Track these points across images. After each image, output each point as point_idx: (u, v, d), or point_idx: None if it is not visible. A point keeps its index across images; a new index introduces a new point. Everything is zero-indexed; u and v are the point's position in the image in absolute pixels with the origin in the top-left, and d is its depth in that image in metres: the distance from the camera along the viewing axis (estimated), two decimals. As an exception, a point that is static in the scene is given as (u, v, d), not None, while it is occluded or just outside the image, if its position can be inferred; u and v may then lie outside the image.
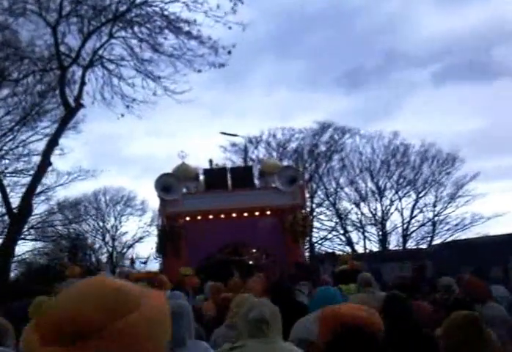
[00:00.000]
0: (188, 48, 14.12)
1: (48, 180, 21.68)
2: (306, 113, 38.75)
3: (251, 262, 10.00)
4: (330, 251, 28.52)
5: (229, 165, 27.84)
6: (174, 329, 1.49)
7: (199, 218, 10.09)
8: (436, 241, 27.57)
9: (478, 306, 3.67)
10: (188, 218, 10.01)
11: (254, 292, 4.04)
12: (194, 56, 14.06)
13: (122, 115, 14.24)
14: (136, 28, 14.46)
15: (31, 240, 22.36)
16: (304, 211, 10.54)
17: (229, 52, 13.91)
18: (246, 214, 10.24)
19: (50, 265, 13.07)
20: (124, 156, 39.59)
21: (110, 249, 27.37)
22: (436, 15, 36.61)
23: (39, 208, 22.51)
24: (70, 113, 14.03)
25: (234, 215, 10.20)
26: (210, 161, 10.98)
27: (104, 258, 26.26)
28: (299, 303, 3.98)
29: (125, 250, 27.82)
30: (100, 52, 14.76)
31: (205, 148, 34.78)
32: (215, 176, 10.57)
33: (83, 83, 14.32)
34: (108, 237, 27.24)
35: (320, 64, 38.23)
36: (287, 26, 37.74)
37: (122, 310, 0.70)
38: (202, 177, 10.93)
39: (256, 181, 11.28)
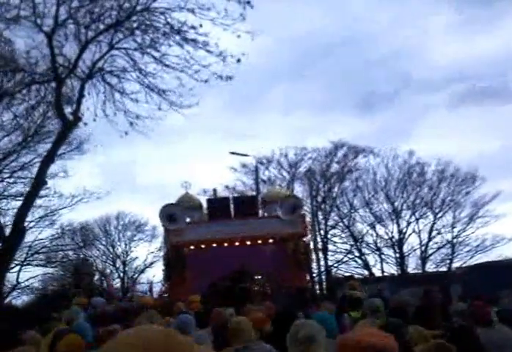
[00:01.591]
0: (194, 58, 13.49)
1: (52, 202, 22.15)
2: (320, 135, 39.98)
3: (255, 289, 10.62)
4: (347, 274, 28.88)
5: (240, 186, 28.80)
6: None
7: (202, 246, 10.79)
8: (456, 264, 27.67)
9: (482, 330, 3.74)
10: (192, 247, 10.72)
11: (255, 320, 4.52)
12: (200, 66, 13.40)
13: (126, 133, 13.69)
14: (138, 38, 13.91)
15: (35, 265, 23.00)
16: (305, 239, 11.17)
17: (239, 60, 13.31)
18: (248, 242, 10.91)
19: (59, 291, 13.53)
20: (137, 183, 41.38)
21: (121, 274, 28.28)
22: (451, 40, 37.86)
23: (43, 233, 23.16)
24: (67, 127, 13.44)
25: (237, 243, 10.87)
26: (215, 191, 11.73)
27: (116, 283, 27.14)
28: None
29: (136, 275, 28.71)
30: (100, 64, 14.19)
31: (216, 170, 35.80)
32: (218, 205, 11.32)
33: (81, 96, 13.76)
34: (118, 263, 28.21)
35: (335, 89, 39.80)
36: (303, 51, 39.56)
37: None
38: (205, 207, 11.69)
39: (259, 210, 11.98)
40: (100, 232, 27.37)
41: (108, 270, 27.63)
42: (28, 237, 22.79)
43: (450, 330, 3.87)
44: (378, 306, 4.56)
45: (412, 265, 28.70)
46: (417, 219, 28.56)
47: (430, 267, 28.55)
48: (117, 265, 28.12)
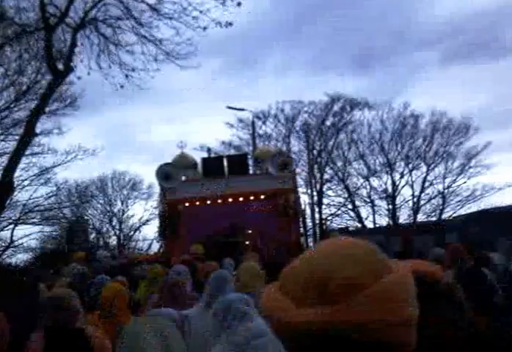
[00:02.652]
0: (192, 3, 13.12)
1: (46, 159, 22.72)
2: (317, 91, 40.66)
3: (247, 243, 11.69)
4: (340, 226, 30.33)
5: (236, 142, 29.46)
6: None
7: (197, 203, 11.70)
8: (446, 214, 29.13)
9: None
10: (186, 204, 11.63)
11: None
12: (198, 12, 13.11)
13: (122, 86, 13.64)
14: None
15: (30, 224, 23.63)
16: (295, 194, 12.14)
17: (239, 4, 13.01)
18: (241, 199, 11.81)
19: (57, 249, 14.36)
20: (134, 142, 42.44)
21: (117, 232, 29.63)
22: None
23: (38, 191, 23.77)
24: (57, 77, 13.21)
25: (230, 200, 11.78)
26: (209, 149, 12.53)
27: (112, 241, 28.54)
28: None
29: (131, 233, 30.09)
30: (92, 13, 13.77)
31: (213, 126, 36.62)
32: (212, 164, 12.14)
33: (73, 46, 13.47)
34: (115, 221, 29.44)
35: (331, 48, 40.89)
36: (296, 11, 39.41)
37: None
38: (200, 166, 12.53)
39: (250, 168, 12.86)
40: (97, 191, 28.47)
41: (104, 229, 29.00)
42: (23, 196, 23.67)
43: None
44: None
45: (404, 216, 30.23)
46: (410, 171, 29.70)
47: (421, 218, 30.14)
48: (113, 223, 29.49)
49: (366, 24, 40.27)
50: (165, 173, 11.51)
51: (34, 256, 23.34)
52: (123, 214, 29.28)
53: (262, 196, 11.90)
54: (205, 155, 19.07)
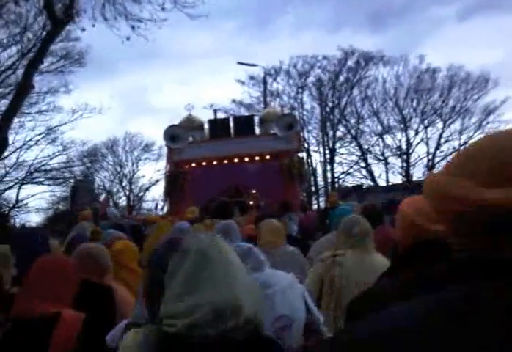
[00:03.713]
0: None
1: (53, 119, 23.42)
2: (330, 49, 40.62)
3: (251, 203, 12.52)
4: (351, 184, 31.03)
5: (247, 100, 29.76)
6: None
7: (203, 164, 12.46)
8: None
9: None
10: (192, 165, 12.41)
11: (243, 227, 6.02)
12: None
13: (128, 38, 13.42)
14: None
15: (36, 183, 24.13)
16: (299, 155, 12.83)
17: None
18: (246, 159, 12.54)
19: (67, 210, 15.13)
20: (145, 104, 43.41)
21: (127, 193, 30.79)
22: None
23: (46, 151, 24.28)
24: (56, 26, 12.98)
25: (235, 160, 12.53)
26: (215, 111, 13.15)
27: (122, 202, 29.78)
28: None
29: (141, 193, 31.28)
30: None
31: (224, 84, 37.16)
32: (218, 125, 12.78)
33: None
34: (125, 182, 30.54)
35: (346, 7, 41.00)
36: None
37: None
38: (206, 127, 13.20)
39: (256, 129, 13.49)
40: (108, 152, 29.41)
41: (114, 189, 30.15)
42: (30, 156, 24.54)
43: None
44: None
45: (418, 174, 30.71)
46: (426, 127, 29.87)
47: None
48: (124, 184, 30.61)
49: None
50: (172, 134, 12.22)
51: (46, 217, 24.50)
52: (133, 175, 30.44)
53: (267, 157, 12.60)
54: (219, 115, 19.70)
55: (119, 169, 30.26)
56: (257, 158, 12.57)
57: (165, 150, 13.65)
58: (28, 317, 2.05)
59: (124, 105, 47.41)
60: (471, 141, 0.85)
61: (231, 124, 12.79)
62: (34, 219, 26.18)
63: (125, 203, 31.21)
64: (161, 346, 1.19)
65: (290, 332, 2.24)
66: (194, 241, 1.31)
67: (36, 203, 25.40)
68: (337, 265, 3.00)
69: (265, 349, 1.27)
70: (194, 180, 12.02)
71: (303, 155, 13.43)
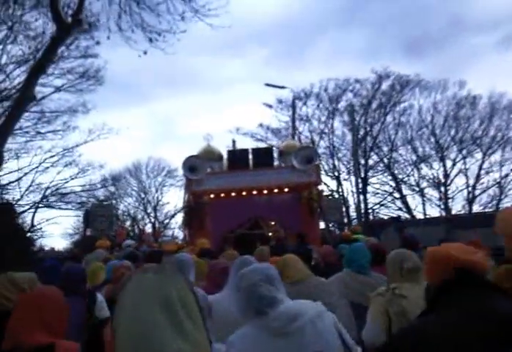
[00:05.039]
0: None
1: (70, 139, 24.25)
2: (364, 74, 41.39)
3: (270, 234, 12.96)
4: (384, 217, 30.85)
5: (275, 124, 30.17)
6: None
7: (222, 195, 13.02)
8: (504, 205, 29.00)
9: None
10: (211, 195, 12.98)
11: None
12: None
13: (145, 52, 13.00)
14: None
15: (49, 207, 24.96)
16: (318, 188, 13.24)
17: None
18: (265, 191, 13.03)
19: (94, 235, 15.79)
20: (174, 130, 45.17)
21: (152, 220, 31.67)
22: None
23: (63, 174, 25.13)
24: (62, 30, 12.43)
25: (254, 192, 13.03)
26: (234, 142, 13.79)
27: (148, 228, 30.59)
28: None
29: (166, 220, 32.11)
30: None
31: (251, 108, 38.32)
32: (237, 156, 13.42)
33: None
34: (150, 209, 31.51)
35: (383, 34, 43.04)
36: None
37: None
38: (225, 158, 13.84)
39: (275, 161, 14.03)
40: (131, 177, 30.53)
41: (139, 216, 31.10)
42: (45, 178, 25.22)
43: None
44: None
45: (457, 207, 30.31)
46: (464, 157, 29.71)
47: (478, 209, 30.08)
48: (148, 211, 31.59)
49: (420, 10, 41.29)
50: (191, 165, 12.88)
51: (72, 241, 25.37)
52: (158, 202, 31.38)
53: (285, 189, 13.07)
54: (245, 139, 20.17)
55: (143, 195, 31.35)
56: (275, 190, 13.05)
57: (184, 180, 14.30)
58: (23, 348, 2.12)
59: (149, 130, 49.49)
60: None
61: (250, 155, 13.37)
62: (59, 243, 27.08)
63: (150, 230, 32.04)
64: None
65: None
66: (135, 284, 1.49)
67: (57, 227, 26.29)
68: (400, 297, 3.15)
69: None
70: (213, 211, 12.58)
71: (322, 187, 13.74)
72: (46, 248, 21.50)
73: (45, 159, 24.56)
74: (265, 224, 13.21)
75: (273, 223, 13.19)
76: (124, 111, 48.33)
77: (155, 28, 12.91)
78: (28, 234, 22.99)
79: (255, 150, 14.02)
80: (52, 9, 12.53)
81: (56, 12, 12.34)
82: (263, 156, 13.40)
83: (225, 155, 13.94)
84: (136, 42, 12.84)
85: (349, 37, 43.33)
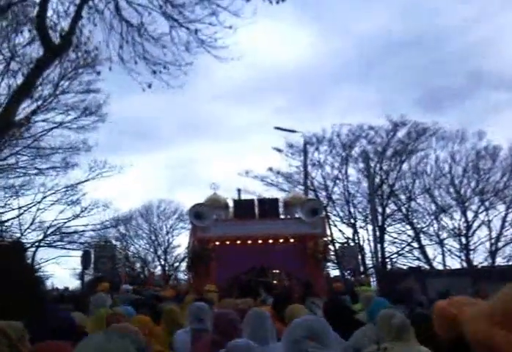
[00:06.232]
0: None
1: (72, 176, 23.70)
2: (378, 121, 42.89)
3: (275, 282, 13.54)
4: (400, 266, 30.88)
5: (286, 169, 30.74)
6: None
7: (227, 243, 13.72)
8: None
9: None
10: (217, 243, 13.67)
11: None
12: None
13: (150, 86, 12.71)
14: None
15: (50, 246, 24.82)
16: (324, 239, 13.88)
17: None
18: (270, 241, 13.71)
19: (103, 276, 16.31)
20: (184, 173, 46.81)
21: (162, 262, 32.36)
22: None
23: (66, 213, 24.98)
24: (49, 51, 11.96)
25: (260, 241, 13.72)
26: (239, 191, 14.64)
27: (158, 271, 31.18)
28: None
29: (177, 263, 32.73)
30: None
31: (262, 152, 39.66)
32: (243, 206, 14.22)
33: (78, 16, 12.12)
34: (160, 251, 32.19)
35: (400, 89, 44.37)
36: (372, 50, 44.29)
37: None
38: (231, 207, 14.62)
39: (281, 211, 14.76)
40: (142, 219, 31.40)
41: (149, 258, 31.81)
42: (47, 217, 25.08)
43: None
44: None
45: (478, 259, 30.18)
46: (487, 209, 29.89)
47: (501, 261, 29.91)
48: (159, 253, 32.28)
49: (440, 64, 43.47)
50: (197, 212, 13.67)
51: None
52: (168, 244, 32.11)
53: (291, 240, 13.73)
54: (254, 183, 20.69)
55: (153, 238, 32.15)
56: (281, 240, 13.72)
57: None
58: None
59: (161, 174, 51.40)
60: None
61: (256, 205, 14.12)
62: (72, 283, 27.33)
63: (160, 273, 32.53)
64: None
65: None
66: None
67: (66, 266, 26.34)
68: None
69: None
70: (218, 258, 13.23)
71: (328, 239, 14.38)
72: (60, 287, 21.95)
73: (46, 196, 24.86)
74: (269, 272, 13.81)
75: (277, 271, 13.78)
76: (138, 154, 50.38)
77: (159, 59, 12.68)
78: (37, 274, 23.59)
79: (261, 201, 14.79)
80: (39, 27, 12.19)
81: (42, 31, 12.03)
82: (269, 207, 14.15)
83: (231, 204, 14.72)
84: (139, 74, 12.66)
85: (365, 90, 44.89)
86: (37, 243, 25.20)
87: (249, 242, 13.76)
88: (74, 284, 26.38)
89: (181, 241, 33.31)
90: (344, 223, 31.10)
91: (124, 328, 3.08)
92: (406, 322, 3.55)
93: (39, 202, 24.86)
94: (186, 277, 17.70)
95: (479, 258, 30.16)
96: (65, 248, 25.81)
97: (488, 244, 30.23)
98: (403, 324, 3.51)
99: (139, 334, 3.01)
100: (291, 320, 4.22)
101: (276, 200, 14.91)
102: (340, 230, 30.87)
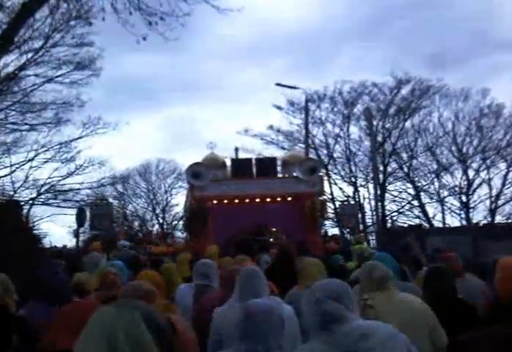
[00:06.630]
0: None
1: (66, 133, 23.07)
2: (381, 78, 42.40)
3: (271, 240, 13.85)
4: (405, 224, 31.30)
5: (287, 127, 30.68)
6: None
7: (225, 202, 13.94)
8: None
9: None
10: (214, 202, 13.89)
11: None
12: None
13: (144, 38, 12.25)
14: None
15: (44, 204, 24.70)
16: (322, 198, 14.10)
17: None
18: (268, 200, 13.93)
19: (99, 235, 16.48)
20: (184, 132, 46.69)
21: (161, 221, 32.84)
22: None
23: (60, 171, 24.57)
24: None
25: (257, 200, 13.94)
26: (236, 149, 14.74)
27: (155, 230, 31.72)
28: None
29: (175, 222, 33.22)
30: None
31: (262, 112, 39.50)
32: (241, 165, 14.37)
33: None
34: (158, 210, 32.61)
35: (405, 49, 42.93)
36: (378, 9, 43.22)
37: None
38: (229, 166, 14.74)
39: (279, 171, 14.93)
40: (140, 179, 31.66)
41: (147, 216, 32.29)
42: (40, 175, 24.64)
43: None
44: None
45: (477, 217, 30.56)
46: (488, 167, 30.05)
47: (501, 219, 30.29)
48: (157, 212, 32.74)
49: (444, 26, 42.21)
50: (194, 171, 13.83)
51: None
52: (167, 203, 32.52)
53: (289, 198, 13.94)
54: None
55: (152, 197, 32.51)
56: (278, 198, 13.94)
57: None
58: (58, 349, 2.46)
59: (160, 132, 51.20)
60: None
61: (253, 164, 14.26)
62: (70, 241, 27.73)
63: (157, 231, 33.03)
64: None
65: None
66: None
67: (64, 224, 26.48)
68: (368, 307, 3.43)
69: None
70: (215, 217, 13.49)
71: (326, 197, 14.59)
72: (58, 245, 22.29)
73: (39, 154, 24.58)
74: (267, 231, 14.11)
75: (274, 230, 14.08)
76: (136, 113, 50.09)
77: (155, 9, 11.96)
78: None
79: (259, 160, 14.92)
80: None
81: None
82: (267, 166, 14.29)
83: (229, 163, 14.85)
84: (134, 26, 11.95)
85: (370, 48, 44.04)
86: (30, 201, 25.04)
87: (247, 201, 13.99)
88: (72, 242, 26.65)
89: (179, 200, 33.62)
90: (345, 181, 31.33)
91: (138, 287, 3.04)
92: (387, 273, 3.72)
93: (31, 160, 24.69)
94: (183, 236, 18.03)
95: (478, 216, 30.57)
96: (60, 207, 25.77)
97: (488, 202, 30.58)
98: (383, 276, 3.67)
99: (151, 296, 2.95)
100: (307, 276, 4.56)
101: (274, 159, 15.06)
102: (341, 188, 31.15)
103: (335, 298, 2.37)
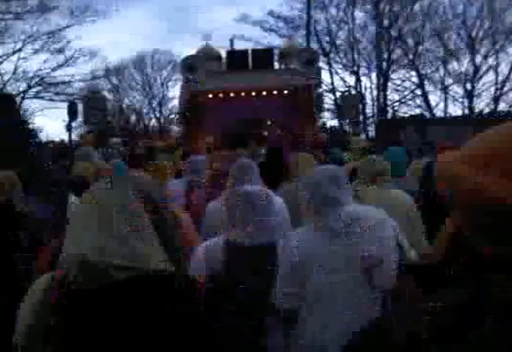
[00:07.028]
0: None
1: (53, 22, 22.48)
2: None
3: (265, 134, 14.00)
4: (407, 115, 31.29)
5: (288, 12, 29.49)
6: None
7: (220, 95, 13.87)
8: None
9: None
10: (210, 95, 13.82)
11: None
12: None
13: None
14: None
15: (36, 97, 24.57)
16: (319, 90, 14.00)
17: None
18: (264, 93, 13.84)
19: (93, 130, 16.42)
20: (181, 21, 43.98)
21: (157, 115, 32.68)
22: None
23: (51, 60, 24.22)
24: None
25: (253, 93, 13.85)
26: (231, 41, 14.30)
27: (152, 123, 31.81)
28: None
29: (172, 116, 33.10)
30: None
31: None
32: (236, 57, 14.02)
33: None
34: (155, 103, 32.29)
35: None
36: None
37: None
38: (224, 58, 14.42)
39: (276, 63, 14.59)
40: (135, 71, 30.88)
41: (144, 110, 32.07)
42: (30, 67, 25.12)
43: None
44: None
45: (480, 106, 30.40)
46: (497, 52, 29.27)
47: (505, 107, 30.15)
48: (153, 105, 32.48)
49: None
50: (188, 64, 13.60)
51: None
52: (163, 96, 32.09)
53: (285, 91, 13.85)
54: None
55: (147, 89, 32.02)
56: (275, 91, 13.83)
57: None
58: None
59: (153, 22, 48.65)
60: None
61: (249, 55, 13.94)
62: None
63: (156, 125, 33.02)
64: None
65: (379, 273, 2.35)
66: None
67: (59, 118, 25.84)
68: (355, 197, 3.32)
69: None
70: (210, 111, 13.51)
71: (327, 87, 14.47)
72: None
73: (26, 43, 23.93)
74: (263, 124, 14.21)
75: (270, 124, 14.18)
76: (130, 2, 47.37)
77: None
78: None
79: (255, 51, 14.55)
80: None
81: None
82: (263, 57, 13.97)
83: (224, 56, 14.51)
84: None
85: None
86: (21, 95, 24.60)
87: (242, 94, 13.90)
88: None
89: (176, 93, 33.26)
90: (347, 70, 30.76)
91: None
92: (386, 168, 3.79)
93: (19, 50, 24.11)
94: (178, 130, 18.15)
95: (481, 105, 30.39)
96: (52, 100, 25.39)
97: (492, 90, 30.22)
98: (382, 169, 3.75)
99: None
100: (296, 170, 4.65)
101: (270, 50, 14.70)
102: (342, 78, 30.69)
103: (334, 182, 2.47)
